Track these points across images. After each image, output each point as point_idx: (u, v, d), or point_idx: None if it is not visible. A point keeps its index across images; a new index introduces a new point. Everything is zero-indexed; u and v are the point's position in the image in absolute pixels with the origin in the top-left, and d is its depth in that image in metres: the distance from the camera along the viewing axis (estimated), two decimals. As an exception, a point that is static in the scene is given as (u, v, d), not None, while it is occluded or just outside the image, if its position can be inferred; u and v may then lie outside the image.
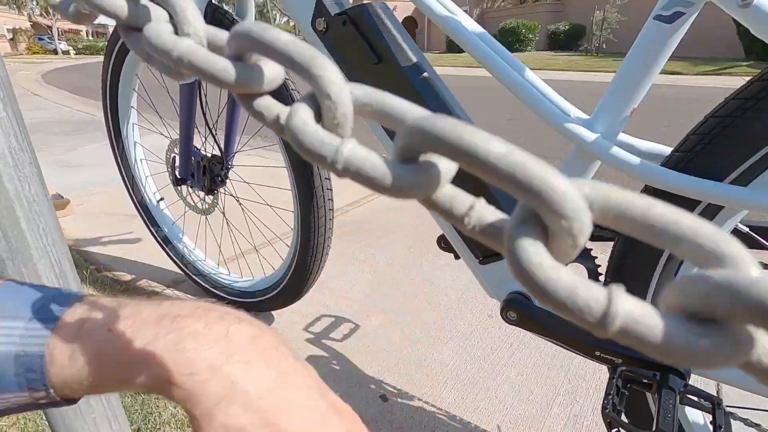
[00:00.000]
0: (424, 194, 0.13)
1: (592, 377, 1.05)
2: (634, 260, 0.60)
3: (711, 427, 0.49)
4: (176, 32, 0.18)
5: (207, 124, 1.07)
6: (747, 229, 0.56)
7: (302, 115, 0.14)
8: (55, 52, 31.65)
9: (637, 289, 0.60)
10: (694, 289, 0.10)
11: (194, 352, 0.23)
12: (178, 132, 1.12)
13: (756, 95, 0.46)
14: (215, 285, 1.31)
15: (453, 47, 19.72)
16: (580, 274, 0.62)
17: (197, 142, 1.16)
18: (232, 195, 1.22)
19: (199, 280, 1.34)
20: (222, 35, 0.18)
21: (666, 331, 0.10)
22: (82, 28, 52.90)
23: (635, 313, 0.10)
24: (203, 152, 1.14)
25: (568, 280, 0.10)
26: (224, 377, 0.22)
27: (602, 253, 0.75)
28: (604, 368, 1.01)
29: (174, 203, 1.39)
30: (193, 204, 1.24)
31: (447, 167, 0.13)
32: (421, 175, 0.13)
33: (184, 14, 0.17)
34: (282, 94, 0.90)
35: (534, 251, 0.11)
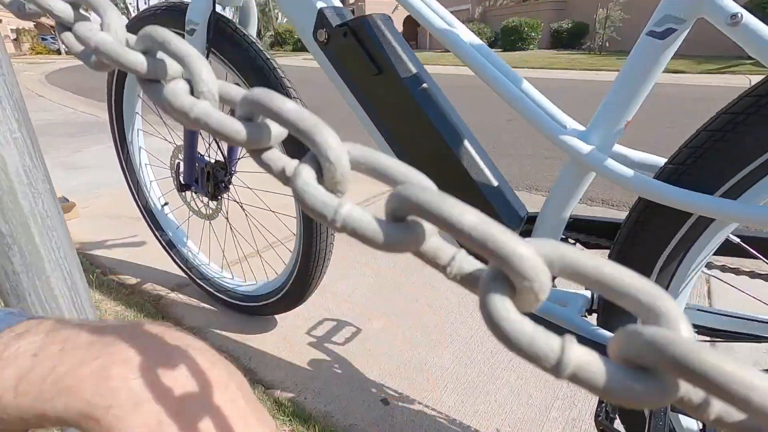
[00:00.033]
0: (412, 249, 0.15)
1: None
2: (631, 264, 0.61)
3: (703, 434, 0.51)
4: (192, 90, 0.19)
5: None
6: (738, 240, 0.57)
7: (305, 177, 0.15)
8: (58, 52, 31.76)
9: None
10: (630, 342, 0.12)
11: (120, 382, 0.19)
12: (183, 138, 1.14)
13: (746, 110, 0.47)
14: (219, 289, 1.32)
15: (455, 46, 19.65)
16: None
17: (201, 148, 1.17)
18: (235, 200, 1.23)
19: (202, 284, 1.35)
20: (233, 92, 0.20)
21: (608, 377, 0.11)
22: (86, 28, 53.04)
23: (583, 361, 0.12)
24: (207, 158, 1.15)
25: (529, 332, 0.12)
26: (150, 414, 0.19)
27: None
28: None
29: (178, 208, 1.41)
30: (197, 209, 1.26)
31: (431, 226, 0.15)
32: (409, 233, 0.15)
33: (199, 74, 0.19)
34: (271, 82, 0.92)
35: (501, 306, 0.12)
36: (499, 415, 0.97)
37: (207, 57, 0.96)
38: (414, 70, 0.70)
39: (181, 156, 1.19)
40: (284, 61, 15.29)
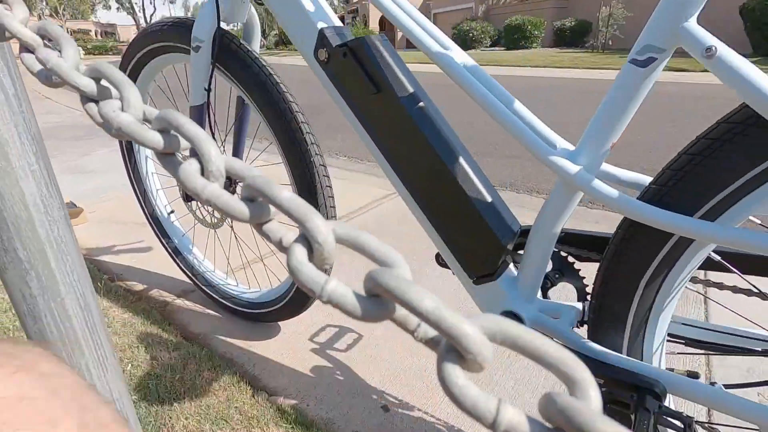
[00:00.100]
0: (385, 319, 0.17)
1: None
2: (618, 281, 0.63)
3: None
4: (202, 169, 0.22)
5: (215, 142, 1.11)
6: (719, 258, 0.59)
7: (298, 257, 0.18)
8: (64, 53, 31.94)
9: (621, 306, 0.64)
10: (548, 407, 0.14)
11: None
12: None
13: (722, 137, 0.49)
14: (224, 296, 1.36)
15: (459, 45, 19.62)
16: (569, 292, 0.66)
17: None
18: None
19: (208, 291, 1.39)
20: (237, 166, 0.22)
21: (532, 434, 0.14)
22: (91, 28, 53.41)
23: (514, 421, 0.14)
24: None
25: (472, 396, 0.14)
26: None
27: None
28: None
29: (184, 216, 1.44)
30: (203, 218, 1.29)
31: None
32: (382, 308, 0.17)
33: (209, 156, 0.22)
34: (274, 97, 0.95)
35: (452, 372, 0.15)
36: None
37: (212, 72, 0.99)
38: (411, 90, 0.73)
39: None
40: (288, 60, 15.34)
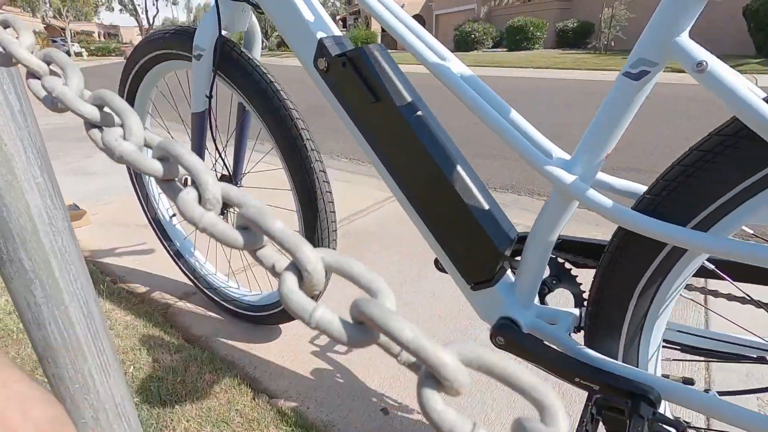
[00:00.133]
0: (370, 344, 0.18)
1: (583, 393, 1.09)
2: (613, 288, 0.64)
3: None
4: (199, 197, 0.23)
5: (217, 149, 1.13)
6: (713, 267, 0.60)
7: (289, 285, 0.19)
8: (68, 54, 32.11)
9: (616, 313, 0.65)
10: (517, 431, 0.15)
11: None
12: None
13: (714, 149, 0.50)
14: (225, 298, 1.37)
15: (461, 46, 19.68)
16: (566, 298, 0.66)
17: (208, 163, 1.22)
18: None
19: (210, 293, 1.40)
20: (233, 194, 0.23)
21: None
22: (94, 29, 53.64)
23: None
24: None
25: (450, 420, 0.15)
26: None
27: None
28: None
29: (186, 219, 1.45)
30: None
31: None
32: (366, 334, 0.18)
33: (206, 186, 0.23)
34: (275, 104, 0.96)
35: (431, 398, 0.16)
36: (494, 425, 1.00)
37: (213, 80, 1.00)
38: (409, 99, 0.74)
39: (188, 171, 1.23)
40: (289, 61, 15.38)
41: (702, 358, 0.69)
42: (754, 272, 0.60)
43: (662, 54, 0.50)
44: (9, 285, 0.45)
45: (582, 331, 0.74)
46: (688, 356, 0.72)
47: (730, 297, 0.66)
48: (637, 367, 0.66)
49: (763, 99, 0.45)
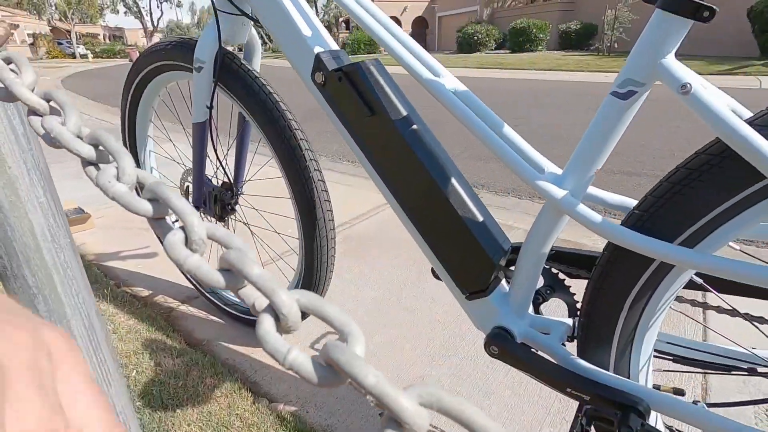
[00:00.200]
0: (340, 385, 0.20)
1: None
2: (604, 301, 0.65)
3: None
4: (186, 240, 0.25)
5: (218, 157, 1.14)
6: (701, 281, 0.61)
7: (266, 327, 0.21)
8: (73, 56, 32.34)
9: (607, 325, 0.66)
10: None
11: None
12: (192, 162, 1.20)
13: (700, 167, 0.51)
14: (226, 302, 1.39)
15: (464, 48, 19.68)
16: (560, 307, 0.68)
17: (209, 170, 1.24)
18: (242, 222, 1.29)
19: (211, 297, 1.42)
20: (219, 234, 0.25)
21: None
22: (100, 31, 53.96)
23: None
24: (214, 182, 1.21)
25: None
26: None
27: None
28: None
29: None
30: (205, 228, 1.32)
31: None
32: (336, 376, 0.20)
33: (191, 227, 0.24)
34: (274, 115, 0.98)
35: None
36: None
37: (214, 91, 1.02)
38: (404, 113, 0.75)
39: (190, 179, 1.25)
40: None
41: (696, 370, 0.70)
42: (742, 286, 0.61)
43: (649, 75, 0.51)
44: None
45: (576, 341, 0.75)
46: (685, 367, 0.73)
47: (719, 309, 0.67)
48: (629, 377, 0.67)
49: (746, 121, 0.46)
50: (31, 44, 35.40)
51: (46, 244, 0.46)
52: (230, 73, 1.00)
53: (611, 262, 0.61)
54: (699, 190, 0.51)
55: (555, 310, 1.37)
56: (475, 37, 19.37)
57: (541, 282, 0.79)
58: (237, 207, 1.24)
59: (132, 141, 1.39)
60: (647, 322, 0.62)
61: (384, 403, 0.17)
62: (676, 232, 0.53)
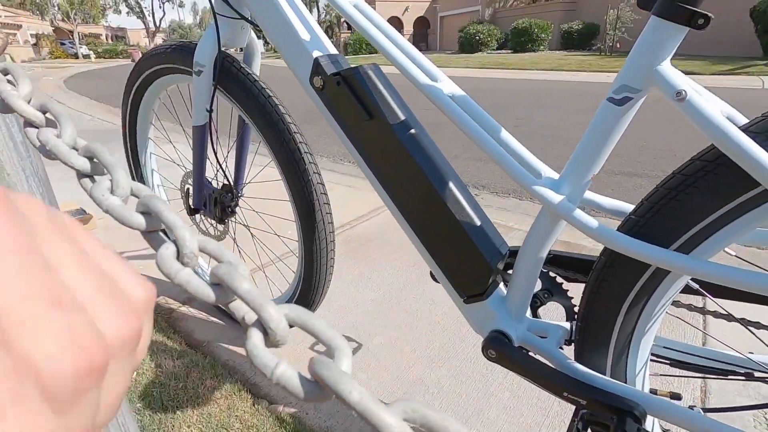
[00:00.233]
0: (327, 400, 0.20)
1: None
2: (601, 305, 0.66)
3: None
4: (177, 253, 0.25)
5: (218, 160, 1.15)
6: (697, 286, 0.61)
7: (254, 341, 0.21)
8: (76, 56, 32.44)
9: (604, 329, 0.66)
10: None
11: None
12: (192, 165, 1.21)
13: (695, 174, 0.51)
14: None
15: (465, 48, 19.67)
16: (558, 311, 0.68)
17: (210, 173, 1.24)
18: (242, 224, 1.30)
19: (211, 300, 1.42)
20: (210, 247, 0.25)
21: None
22: (102, 32, 54.11)
23: None
24: (215, 185, 1.22)
25: None
26: None
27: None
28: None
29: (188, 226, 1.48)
30: (206, 230, 1.33)
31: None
32: (322, 392, 0.20)
33: (183, 241, 0.25)
34: (273, 118, 0.98)
35: None
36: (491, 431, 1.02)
37: (213, 94, 1.02)
38: (402, 117, 0.76)
39: (190, 181, 1.25)
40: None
41: (693, 374, 0.70)
42: (738, 291, 0.61)
43: (644, 81, 0.52)
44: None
45: (573, 344, 0.75)
46: (683, 371, 0.73)
47: (716, 314, 0.67)
48: (625, 382, 0.68)
49: (740, 128, 0.46)
50: (34, 44, 35.52)
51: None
52: (230, 76, 1.00)
53: (608, 267, 0.61)
54: (694, 196, 0.51)
55: (553, 313, 1.37)
56: (477, 37, 19.36)
57: (538, 286, 0.79)
58: (237, 209, 1.24)
59: (133, 143, 1.39)
60: (644, 326, 0.63)
61: (368, 419, 0.18)
62: (672, 237, 0.54)
